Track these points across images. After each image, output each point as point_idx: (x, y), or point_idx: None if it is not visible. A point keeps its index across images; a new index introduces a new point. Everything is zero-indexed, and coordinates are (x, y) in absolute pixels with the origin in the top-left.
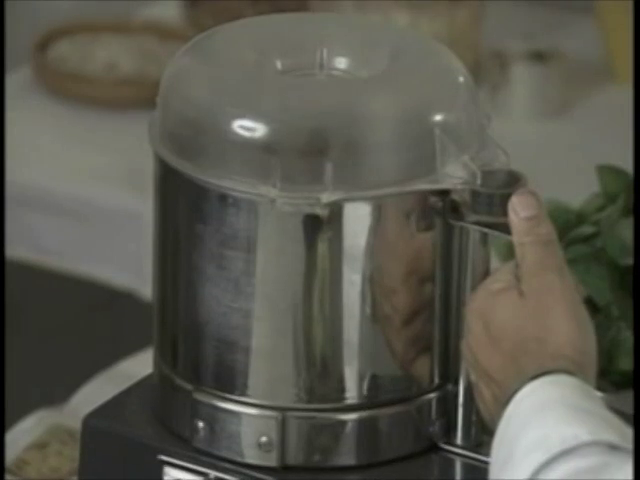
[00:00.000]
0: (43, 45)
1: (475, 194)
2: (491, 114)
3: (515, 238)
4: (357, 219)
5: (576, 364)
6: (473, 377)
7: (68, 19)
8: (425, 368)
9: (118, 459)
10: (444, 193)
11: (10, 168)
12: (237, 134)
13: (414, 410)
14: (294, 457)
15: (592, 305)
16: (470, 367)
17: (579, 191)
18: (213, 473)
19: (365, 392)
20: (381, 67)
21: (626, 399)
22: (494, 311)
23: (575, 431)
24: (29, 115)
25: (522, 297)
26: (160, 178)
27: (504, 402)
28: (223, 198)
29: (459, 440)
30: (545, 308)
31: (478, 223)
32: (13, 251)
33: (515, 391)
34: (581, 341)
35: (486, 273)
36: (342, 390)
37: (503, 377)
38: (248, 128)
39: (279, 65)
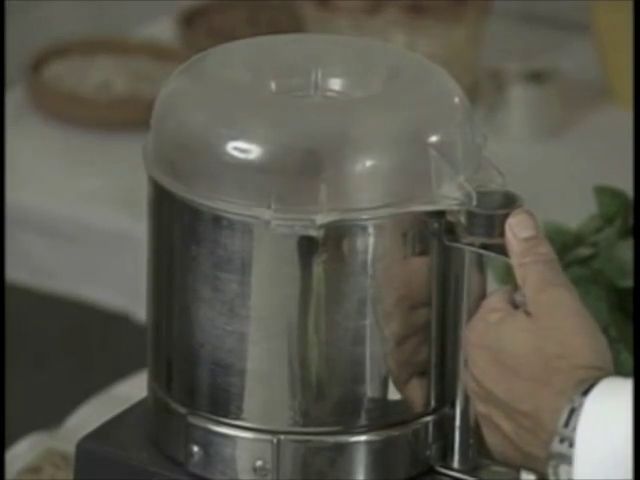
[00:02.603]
0: (37, 65)
1: (471, 215)
2: (488, 135)
3: (515, 259)
4: (352, 240)
5: (605, 372)
6: (483, 410)
7: (62, 39)
8: (421, 391)
9: None
10: (440, 214)
11: None
12: (231, 156)
13: (410, 433)
14: None
15: None
16: (480, 400)
17: (576, 212)
18: None
19: (361, 415)
20: (376, 88)
21: None
22: (502, 341)
23: None
24: (22, 135)
25: (531, 318)
26: (154, 200)
27: (561, 425)
28: (217, 220)
29: (456, 464)
30: (558, 325)
31: (474, 244)
32: (7, 273)
33: (572, 410)
34: (601, 352)
35: (482, 295)
36: (338, 413)
37: (534, 405)
38: (242, 150)
39: (274, 86)
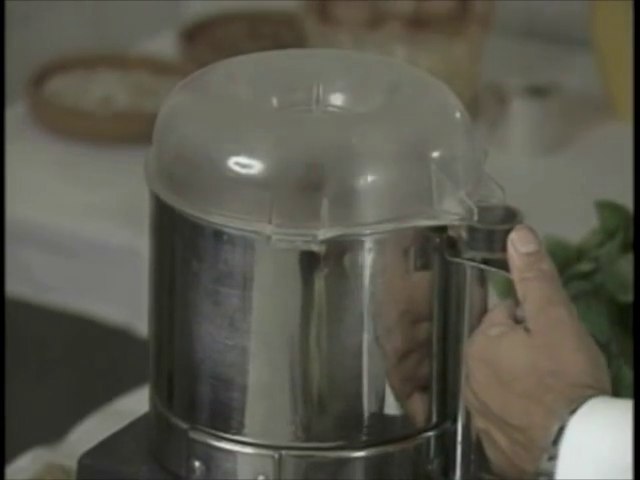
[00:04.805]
0: (38, 79)
1: (472, 230)
2: (489, 149)
3: (516, 274)
4: (353, 255)
5: (598, 391)
6: (481, 424)
7: (63, 53)
8: (423, 406)
9: None
10: (441, 229)
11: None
12: (233, 171)
13: (412, 448)
14: None
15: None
16: (479, 415)
17: (578, 227)
18: None
19: (363, 430)
20: (377, 103)
21: None
22: (501, 355)
23: None
24: (23, 150)
25: (530, 334)
26: (155, 214)
27: (549, 443)
28: (218, 235)
29: (457, 479)
30: (556, 343)
31: (475, 259)
32: (8, 287)
33: (560, 429)
34: (597, 371)
35: (484, 310)
36: (339, 429)
37: (527, 421)
38: (244, 165)
39: (275, 101)
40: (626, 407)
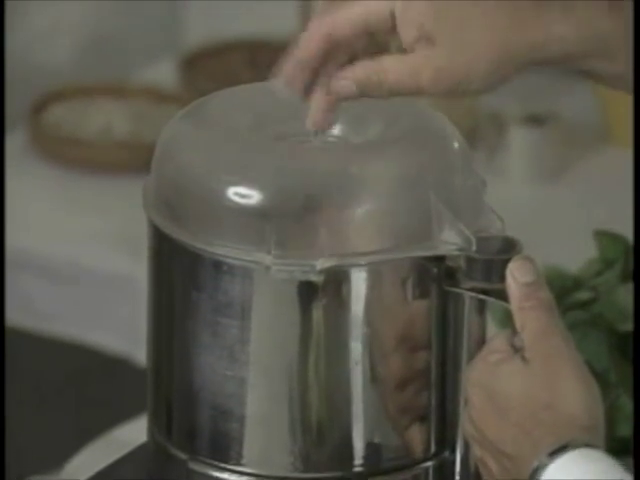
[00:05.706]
0: (38, 109)
1: (470, 260)
2: (488, 177)
3: (514, 304)
4: (352, 285)
5: (589, 430)
6: (477, 451)
7: (63, 83)
8: (421, 436)
9: None
10: (439, 259)
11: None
12: (231, 201)
13: (411, 479)
14: None
15: (590, 371)
16: (475, 442)
17: (576, 256)
18: None
19: (361, 461)
20: (375, 133)
21: (626, 466)
22: (498, 382)
23: None
24: (23, 178)
25: (527, 364)
26: (154, 244)
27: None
28: (217, 265)
29: None
30: (552, 373)
31: (473, 289)
32: (7, 316)
33: (537, 468)
34: (591, 404)
35: (482, 340)
36: (338, 459)
37: (516, 451)
38: (242, 195)
39: (274, 131)
40: (605, 467)
